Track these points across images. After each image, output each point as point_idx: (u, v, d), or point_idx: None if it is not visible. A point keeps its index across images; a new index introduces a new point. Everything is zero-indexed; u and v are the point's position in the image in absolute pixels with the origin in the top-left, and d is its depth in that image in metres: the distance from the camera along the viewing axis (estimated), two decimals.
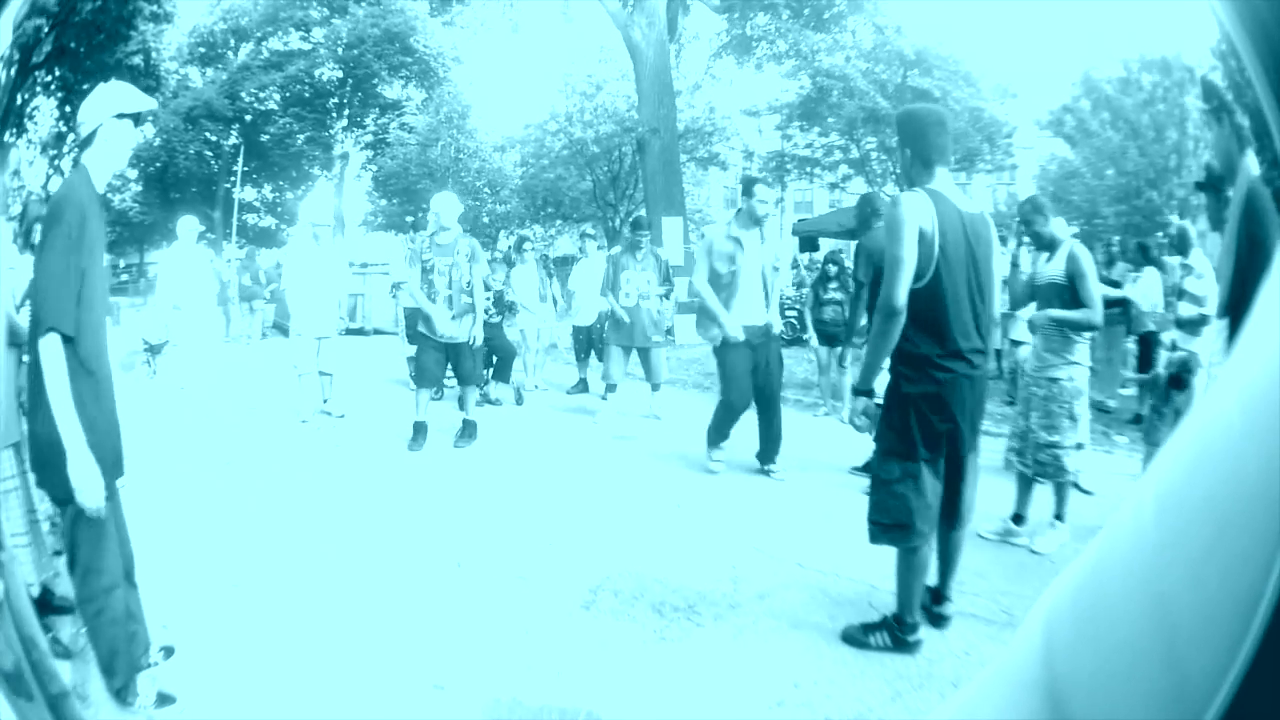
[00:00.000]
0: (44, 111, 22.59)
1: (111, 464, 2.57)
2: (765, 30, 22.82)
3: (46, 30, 17.96)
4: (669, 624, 3.37)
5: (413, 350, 9.33)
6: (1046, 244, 4.26)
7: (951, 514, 3.16)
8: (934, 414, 2.94)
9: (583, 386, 9.18)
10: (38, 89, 20.77)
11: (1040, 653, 0.45)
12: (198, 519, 4.50)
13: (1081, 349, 4.26)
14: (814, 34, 22.11)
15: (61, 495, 2.51)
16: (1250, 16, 0.39)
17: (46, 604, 3.27)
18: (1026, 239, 4.46)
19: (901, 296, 2.84)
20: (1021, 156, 25.82)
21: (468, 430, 6.65)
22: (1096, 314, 4.09)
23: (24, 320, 3.50)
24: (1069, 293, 4.10)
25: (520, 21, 22.61)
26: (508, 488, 5.37)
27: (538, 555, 4.13)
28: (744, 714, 2.72)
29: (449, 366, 6.62)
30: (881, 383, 3.13)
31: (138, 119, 2.74)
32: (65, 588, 3.64)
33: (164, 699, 2.77)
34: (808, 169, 27.83)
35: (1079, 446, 4.27)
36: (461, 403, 6.76)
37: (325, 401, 7.75)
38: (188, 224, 8.18)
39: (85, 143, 2.65)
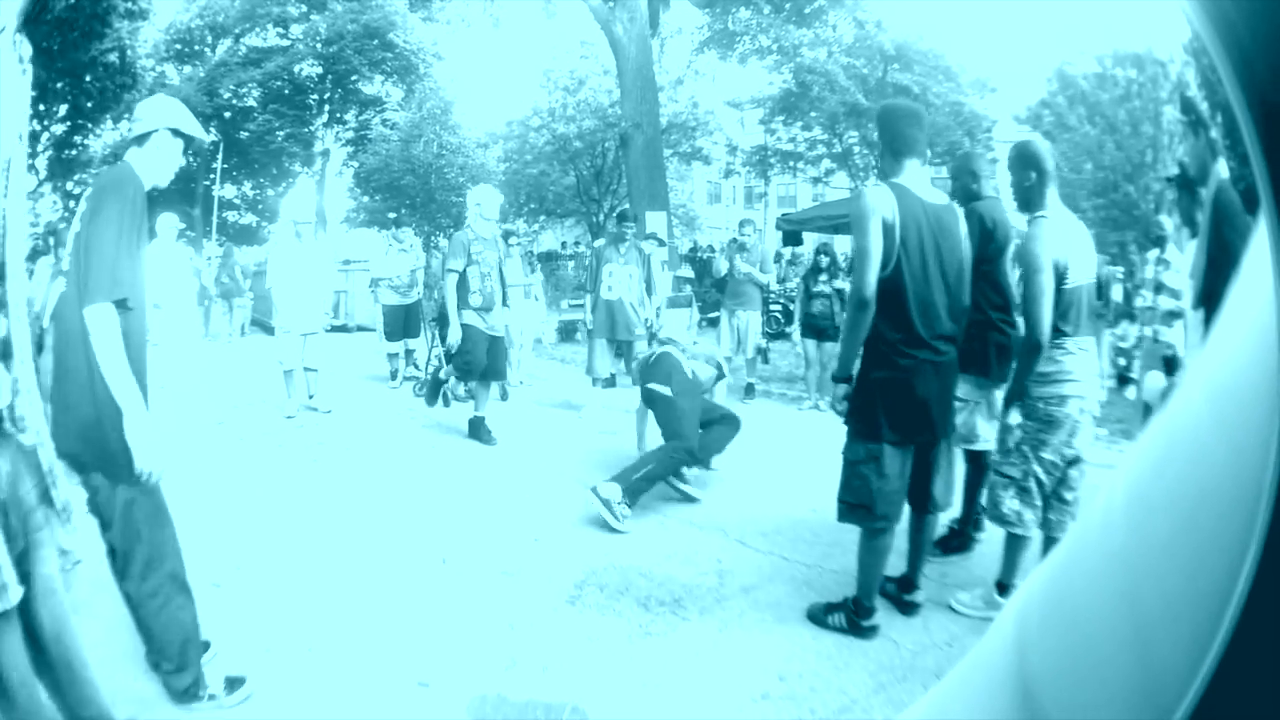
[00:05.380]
0: None
1: None
2: (747, 25, 22.87)
3: (18, 28, 17.65)
4: (654, 618, 3.38)
5: (392, 347, 9.29)
6: (1026, 203, 3.29)
7: (922, 499, 3.24)
8: (898, 399, 3.00)
9: (610, 381, 8.82)
10: None
11: (1013, 646, 0.45)
12: (181, 516, 4.45)
13: (1067, 359, 3.20)
14: (795, 29, 22.18)
15: (109, 474, 2.40)
16: (1217, 14, 0.40)
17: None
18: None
19: (870, 286, 2.92)
20: (1002, 150, 25.95)
21: (476, 428, 6.64)
22: (1035, 326, 3.07)
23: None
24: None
25: (501, 17, 22.56)
26: (492, 483, 5.36)
27: (523, 551, 4.13)
28: (729, 707, 2.73)
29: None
30: None
31: (189, 144, 2.68)
32: None
33: (234, 683, 2.69)
34: (791, 163, 27.94)
35: (1022, 488, 3.25)
36: (481, 400, 6.73)
37: (311, 397, 7.73)
38: (167, 221, 8.09)
39: (137, 141, 2.59)
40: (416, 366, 9.15)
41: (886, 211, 2.92)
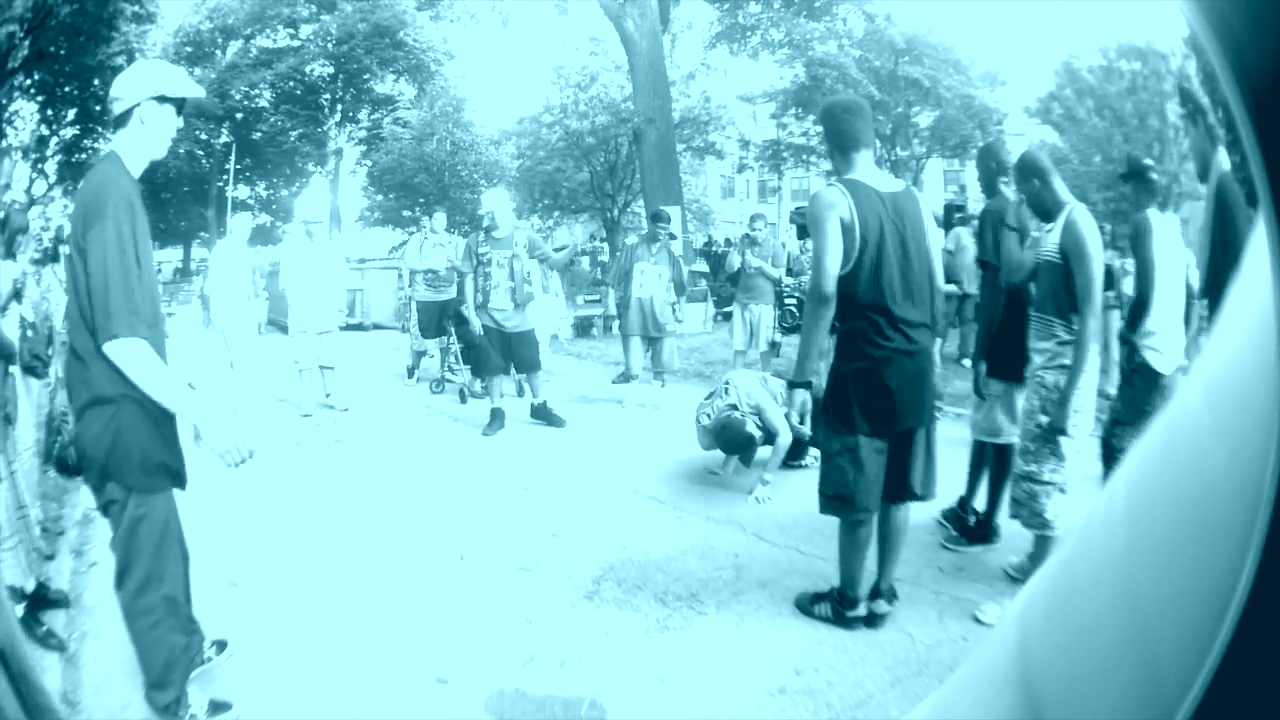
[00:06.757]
0: (24, 116, 22.51)
1: (175, 474, 2.44)
2: (758, 19, 22.76)
3: (22, 35, 17.75)
4: (672, 612, 3.40)
5: (427, 344, 9.20)
6: (1044, 210, 3.45)
7: (897, 489, 3.16)
8: (871, 390, 3.00)
9: (624, 377, 8.57)
10: (16, 94, 20.60)
11: (1015, 647, 0.46)
12: (198, 513, 4.49)
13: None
14: (806, 22, 22.05)
15: (127, 483, 2.34)
16: (1213, 11, 0.40)
17: (41, 598, 3.22)
18: (1025, 206, 3.61)
19: (830, 284, 2.94)
20: (1012, 143, 25.71)
21: (540, 413, 6.98)
22: (1098, 312, 3.21)
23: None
24: (1063, 273, 3.29)
25: (510, 14, 22.52)
26: (509, 479, 5.38)
27: (540, 546, 4.15)
28: (746, 701, 2.74)
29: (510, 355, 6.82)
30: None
31: (181, 106, 2.47)
32: (60, 582, 3.64)
33: (218, 707, 2.59)
34: (804, 157, 27.77)
35: (1061, 490, 3.32)
36: (534, 388, 7.03)
37: (328, 395, 7.79)
38: (241, 221, 8.75)
39: (118, 123, 2.40)
40: (452, 369, 8.91)
41: (843, 209, 2.94)
